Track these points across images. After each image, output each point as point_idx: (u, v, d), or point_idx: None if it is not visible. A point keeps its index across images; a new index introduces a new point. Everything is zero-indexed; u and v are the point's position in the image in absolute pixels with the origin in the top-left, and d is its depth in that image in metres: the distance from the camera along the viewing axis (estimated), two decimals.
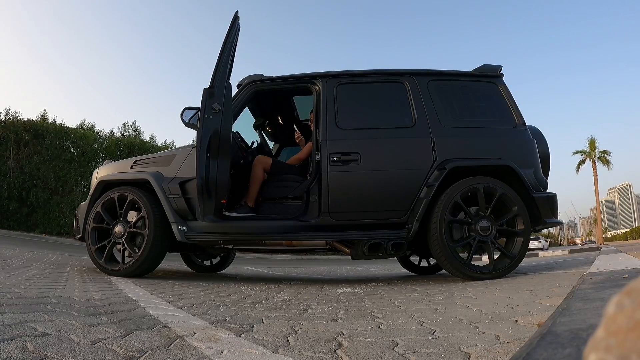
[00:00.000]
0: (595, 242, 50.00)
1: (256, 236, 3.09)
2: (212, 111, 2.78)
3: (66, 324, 1.18)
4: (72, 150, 11.69)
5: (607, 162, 38.70)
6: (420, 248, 3.92)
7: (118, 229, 3.06)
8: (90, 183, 4.60)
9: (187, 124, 3.17)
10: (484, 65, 3.42)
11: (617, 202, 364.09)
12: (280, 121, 4.47)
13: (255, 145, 4.09)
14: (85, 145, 11.76)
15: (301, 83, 3.40)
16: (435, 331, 1.26)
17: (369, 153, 3.04)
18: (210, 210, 2.84)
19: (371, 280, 3.72)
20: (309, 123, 3.85)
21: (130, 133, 15.08)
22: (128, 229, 3.04)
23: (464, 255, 2.96)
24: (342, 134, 3.10)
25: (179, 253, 4.21)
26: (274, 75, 3.44)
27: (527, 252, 3.43)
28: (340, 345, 1.11)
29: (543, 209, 3.03)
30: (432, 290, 2.52)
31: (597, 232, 48.42)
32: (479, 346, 1.04)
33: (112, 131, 13.86)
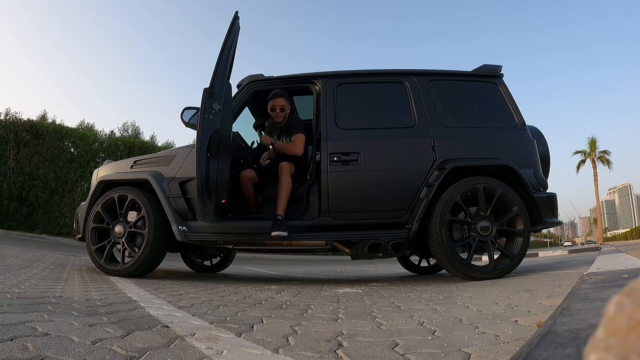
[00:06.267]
0: (595, 242, 50.04)
1: (256, 236, 3.09)
2: (212, 111, 2.78)
3: (66, 324, 1.18)
4: (72, 150, 11.69)
5: (607, 162, 38.70)
6: (420, 248, 3.91)
7: (118, 229, 3.06)
8: (90, 183, 4.60)
9: (187, 124, 3.17)
10: (484, 65, 3.43)
11: (617, 202, 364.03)
12: None
13: (255, 145, 4.09)
14: (85, 145, 11.75)
15: (301, 83, 3.40)
16: (435, 331, 1.26)
17: (369, 153, 3.04)
18: (210, 210, 2.84)
19: (371, 280, 3.72)
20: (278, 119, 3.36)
21: (130, 133, 15.08)
22: (128, 229, 3.04)
23: (464, 255, 2.96)
24: (342, 134, 3.10)
25: (179, 253, 4.21)
26: (274, 75, 3.44)
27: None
28: (340, 345, 1.11)
29: (543, 209, 3.03)
30: (432, 290, 2.52)
31: (597, 232, 48.46)
32: (479, 346, 1.04)
33: (112, 131, 13.87)
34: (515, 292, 2.09)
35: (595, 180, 39.00)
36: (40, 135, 11.16)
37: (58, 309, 1.41)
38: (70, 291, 1.96)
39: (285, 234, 2.89)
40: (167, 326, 1.25)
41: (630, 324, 0.27)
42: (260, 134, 4.26)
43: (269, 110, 3.34)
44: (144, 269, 3.03)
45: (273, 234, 2.88)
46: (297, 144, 3.32)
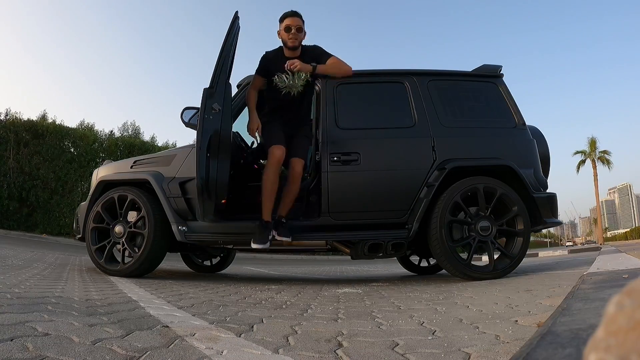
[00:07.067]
0: (595, 242, 50.07)
1: None
2: (212, 111, 2.78)
3: (66, 324, 1.18)
4: (72, 150, 11.68)
5: (607, 162, 38.69)
6: (420, 248, 3.91)
7: (118, 229, 3.06)
8: (90, 183, 4.60)
9: (187, 124, 3.17)
10: (484, 65, 3.43)
11: (617, 202, 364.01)
12: None
13: (255, 145, 4.08)
14: (85, 145, 11.75)
15: None
16: (435, 331, 1.26)
17: (369, 153, 3.04)
18: (210, 210, 2.84)
19: (371, 280, 3.71)
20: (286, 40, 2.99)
21: (130, 133, 15.08)
22: (128, 229, 3.04)
23: (464, 255, 2.96)
24: (342, 134, 3.10)
25: (179, 253, 4.21)
26: None
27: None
28: (340, 345, 1.11)
29: (543, 209, 3.03)
30: (432, 290, 2.52)
31: (597, 232, 48.48)
32: (479, 346, 1.04)
33: (112, 131, 13.86)
34: (515, 292, 2.09)
35: (595, 180, 38.99)
36: (40, 135, 11.15)
37: (58, 309, 1.41)
38: (70, 291, 1.96)
39: (289, 239, 2.87)
40: (167, 326, 1.25)
41: (630, 324, 0.27)
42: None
43: (281, 32, 2.97)
44: (144, 269, 3.03)
45: (277, 237, 2.86)
46: (342, 62, 3.05)
